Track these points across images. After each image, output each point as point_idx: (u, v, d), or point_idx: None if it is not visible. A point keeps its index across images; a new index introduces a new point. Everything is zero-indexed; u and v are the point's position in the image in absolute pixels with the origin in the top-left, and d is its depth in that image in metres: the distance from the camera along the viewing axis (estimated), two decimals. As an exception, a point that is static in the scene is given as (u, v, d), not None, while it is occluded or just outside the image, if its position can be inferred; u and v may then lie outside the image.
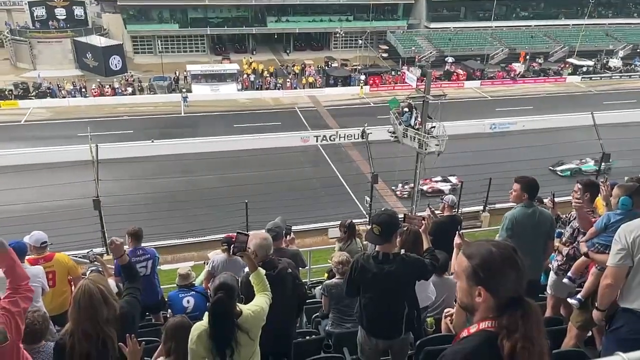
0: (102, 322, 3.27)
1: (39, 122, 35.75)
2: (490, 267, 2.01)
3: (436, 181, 27.18)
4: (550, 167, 28.04)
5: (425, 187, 25.92)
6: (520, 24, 56.09)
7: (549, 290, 5.26)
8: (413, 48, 50.49)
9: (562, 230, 5.22)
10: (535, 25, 55.57)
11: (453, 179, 26.69)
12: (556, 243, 5.21)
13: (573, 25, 55.17)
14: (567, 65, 49.70)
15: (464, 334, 2.09)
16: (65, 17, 46.28)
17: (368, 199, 21.10)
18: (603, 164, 26.57)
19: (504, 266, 2.00)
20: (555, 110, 37.49)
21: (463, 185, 20.42)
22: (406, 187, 26.02)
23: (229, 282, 3.53)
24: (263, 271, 4.04)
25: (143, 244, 6.96)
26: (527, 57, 49.46)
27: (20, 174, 24.94)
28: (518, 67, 48.32)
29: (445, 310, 4.71)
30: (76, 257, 8.63)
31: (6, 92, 38.27)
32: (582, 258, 4.74)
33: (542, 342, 1.96)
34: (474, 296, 2.05)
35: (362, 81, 43.80)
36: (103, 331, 3.26)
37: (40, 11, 45.62)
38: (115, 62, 43.70)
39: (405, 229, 4.87)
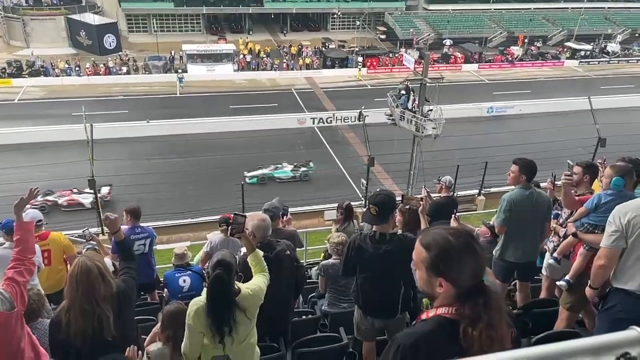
0: (99, 299, 3.26)
1: (32, 101, 35.39)
2: (449, 257, 1.97)
3: (79, 192, 22.35)
4: (246, 172, 25.15)
5: (61, 200, 22.31)
6: (519, 6, 55.56)
7: (544, 272, 5.30)
8: (411, 30, 50.03)
9: (560, 212, 5.24)
10: (534, 8, 55.08)
11: (105, 190, 22.25)
12: (553, 224, 5.23)
13: (572, 8, 54.75)
14: (566, 49, 49.49)
15: (423, 317, 2.06)
16: (58, -7, 45.52)
17: (364, 181, 21.13)
18: (303, 168, 25.69)
19: (463, 255, 1.96)
20: (553, 94, 37.44)
21: (458, 169, 20.38)
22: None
23: (228, 259, 3.52)
24: (261, 252, 4.03)
25: (139, 225, 6.92)
26: (526, 40, 49.15)
27: (15, 153, 24.76)
28: (516, 50, 48.06)
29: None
30: (72, 236, 8.61)
31: (-1, 70, 37.83)
32: (570, 238, 4.76)
33: (502, 328, 1.94)
34: (434, 286, 2.02)
35: (359, 63, 43.48)
36: (100, 308, 3.25)
37: (33, -13, 44.86)
38: (109, 40, 43.10)
39: (407, 207, 4.86)
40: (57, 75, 38.69)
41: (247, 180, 24.28)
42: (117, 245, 4.10)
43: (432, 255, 2.00)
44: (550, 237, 5.24)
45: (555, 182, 5.37)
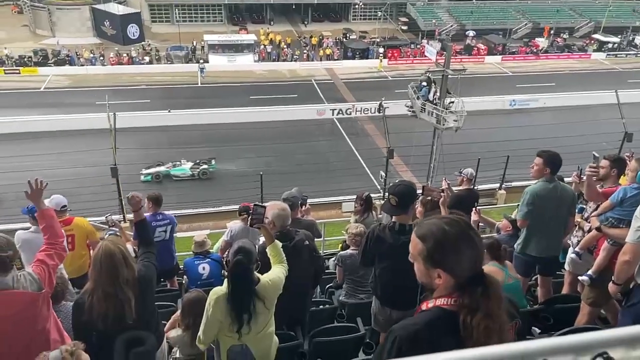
0: (122, 282, 3.31)
1: (58, 90, 35.99)
2: (445, 248, 1.93)
3: None
4: (144, 169, 23.90)
5: None
6: (546, -3, 54.40)
7: (567, 267, 5.21)
8: (433, 21, 49.39)
9: (585, 206, 5.13)
10: (561, -1, 53.90)
11: None
12: (577, 219, 5.13)
13: (600, -1, 53.44)
14: (593, 42, 48.28)
15: (423, 307, 2.03)
16: (83, -17, 46.03)
17: (383, 173, 21.00)
18: (204, 166, 24.25)
19: (460, 245, 1.92)
20: (579, 87, 36.62)
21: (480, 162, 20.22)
22: None
23: (248, 247, 3.55)
24: (280, 243, 4.04)
25: (159, 212, 6.99)
26: (552, 32, 48.10)
27: (40, 140, 25.30)
28: (541, 42, 47.07)
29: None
30: (94, 223, 8.76)
31: (25, 59, 38.48)
32: (593, 232, 4.67)
33: (502, 318, 1.91)
34: (433, 278, 1.98)
35: (380, 54, 43.10)
36: (122, 292, 3.31)
37: (58, -23, 45.42)
38: (133, 30, 43.46)
39: (429, 199, 4.79)
40: (82, 65, 39.29)
41: (142, 178, 23.15)
42: (136, 225, 4.17)
43: (428, 246, 1.96)
44: (575, 231, 5.14)
45: (582, 176, 5.26)
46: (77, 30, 44.69)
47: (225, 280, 3.59)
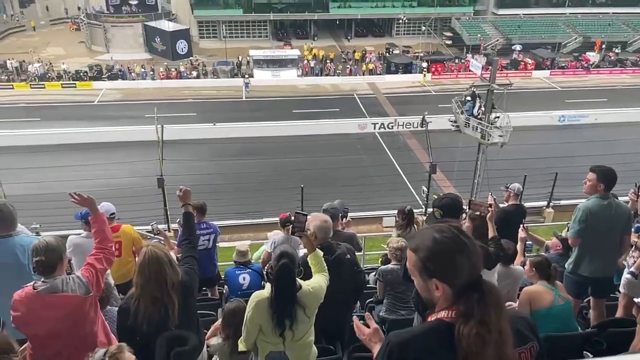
0: (169, 286, 3.35)
1: (110, 103, 37.60)
2: (438, 257, 1.87)
3: None
4: None
5: None
6: (597, 10, 52.57)
7: (621, 289, 4.94)
8: (479, 35, 48.71)
9: (642, 225, 4.88)
10: (613, 13, 51.99)
11: None
12: (634, 238, 4.87)
13: (655, 13, 51.28)
14: (647, 56, 46.38)
15: (428, 320, 1.98)
16: (137, 2, 48.03)
17: (425, 188, 20.71)
18: None
19: (452, 252, 1.86)
20: (632, 103, 35.11)
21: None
22: None
23: (291, 251, 3.55)
24: (321, 252, 4.01)
25: (201, 222, 7.09)
26: (603, 46, 46.49)
27: (92, 151, 26.38)
28: (592, 57, 45.52)
29: (507, 303, 4.51)
30: (140, 231, 9.04)
31: (81, 74, 40.47)
32: None
33: (501, 328, 1.79)
34: (432, 290, 1.91)
35: (424, 69, 42.79)
36: (168, 295, 3.35)
37: (114, -3, 47.71)
38: (181, 46, 45.04)
39: (477, 214, 4.65)
40: (133, 79, 40.99)
41: None
42: (184, 218, 4.15)
43: (421, 257, 1.91)
44: (631, 251, 4.88)
45: (639, 193, 5.00)
46: (129, 46, 46.73)
47: (267, 284, 3.59)
